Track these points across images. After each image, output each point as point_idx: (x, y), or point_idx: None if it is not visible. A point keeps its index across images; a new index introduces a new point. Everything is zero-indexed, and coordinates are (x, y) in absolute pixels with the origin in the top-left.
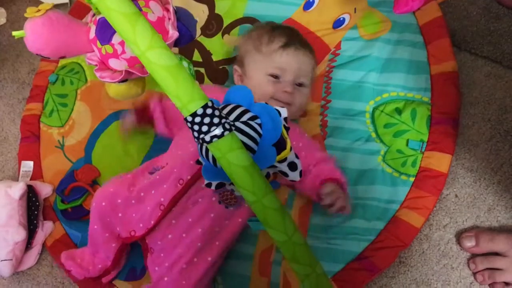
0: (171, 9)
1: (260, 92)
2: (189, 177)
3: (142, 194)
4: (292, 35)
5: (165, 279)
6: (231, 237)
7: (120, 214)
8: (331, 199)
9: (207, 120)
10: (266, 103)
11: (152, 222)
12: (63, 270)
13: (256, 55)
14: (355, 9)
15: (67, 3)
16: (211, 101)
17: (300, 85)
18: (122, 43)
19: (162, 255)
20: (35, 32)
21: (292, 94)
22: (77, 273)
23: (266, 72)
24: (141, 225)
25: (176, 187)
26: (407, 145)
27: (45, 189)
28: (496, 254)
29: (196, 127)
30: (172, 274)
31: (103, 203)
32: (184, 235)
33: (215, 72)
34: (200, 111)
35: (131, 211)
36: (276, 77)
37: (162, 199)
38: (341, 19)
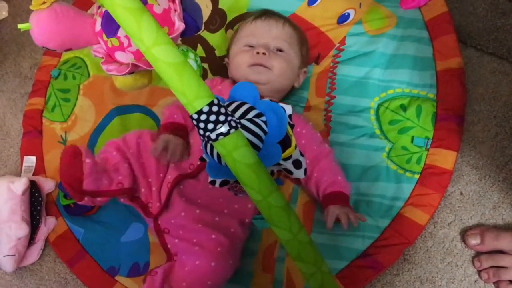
0: (177, 1)
1: (237, 64)
2: (199, 163)
3: (161, 175)
4: (265, 11)
5: (196, 248)
6: (243, 217)
7: (150, 179)
8: (334, 219)
9: (212, 117)
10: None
11: (163, 198)
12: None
13: (234, 38)
14: (360, 4)
15: None
16: (216, 98)
17: (279, 50)
18: (128, 36)
19: (181, 232)
20: (41, 25)
21: (268, 57)
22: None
23: (241, 44)
24: (157, 204)
25: (186, 170)
26: (412, 142)
27: (47, 185)
28: (501, 252)
29: (201, 125)
30: (197, 242)
31: (114, 153)
32: (198, 211)
33: (219, 67)
34: (205, 109)
35: (144, 177)
36: (251, 46)
37: (169, 177)
38: (346, 14)
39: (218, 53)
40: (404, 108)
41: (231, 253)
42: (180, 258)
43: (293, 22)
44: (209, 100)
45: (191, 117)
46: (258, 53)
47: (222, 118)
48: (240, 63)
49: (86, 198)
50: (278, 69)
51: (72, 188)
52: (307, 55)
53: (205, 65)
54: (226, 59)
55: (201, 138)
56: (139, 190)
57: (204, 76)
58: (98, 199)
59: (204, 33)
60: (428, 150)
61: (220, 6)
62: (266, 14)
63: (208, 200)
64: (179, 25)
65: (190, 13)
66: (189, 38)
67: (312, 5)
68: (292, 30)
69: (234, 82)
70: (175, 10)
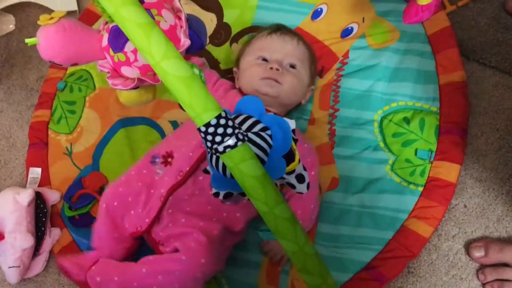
0: (183, 17)
1: (249, 76)
2: (187, 169)
3: (152, 191)
4: (279, 26)
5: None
6: (231, 225)
7: (132, 212)
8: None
9: (220, 130)
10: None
11: (153, 214)
12: (63, 271)
13: (246, 49)
14: (363, 18)
15: (76, 11)
16: (224, 111)
17: (292, 67)
18: (134, 51)
19: (171, 240)
20: (48, 40)
21: (281, 73)
22: (76, 274)
23: (254, 56)
24: (146, 220)
25: (176, 179)
26: (415, 154)
27: (53, 196)
28: (506, 265)
29: (209, 137)
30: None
31: (115, 203)
32: (184, 220)
33: None
34: (213, 122)
35: (139, 207)
36: (265, 60)
37: (162, 190)
38: (349, 28)
39: (222, 66)
40: (407, 121)
41: (205, 252)
42: None
43: (305, 40)
44: (217, 113)
45: (199, 129)
46: (271, 68)
47: (229, 130)
48: (253, 75)
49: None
50: (289, 85)
51: None
52: (315, 73)
53: None
54: (234, 69)
55: (208, 150)
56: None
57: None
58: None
59: (209, 47)
60: (431, 162)
61: (225, 20)
62: (281, 29)
63: (196, 207)
64: (185, 42)
65: (195, 30)
66: (193, 53)
67: (316, 19)
68: (305, 48)
69: (240, 92)
70: (181, 27)
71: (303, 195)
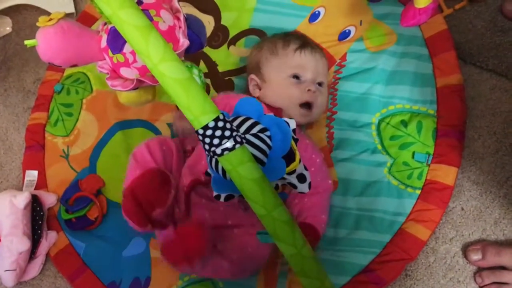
0: (181, 18)
1: (286, 97)
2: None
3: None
4: (305, 38)
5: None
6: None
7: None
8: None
9: (218, 133)
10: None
11: (183, 206)
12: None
13: (273, 60)
14: (360, 21)
15: (73, 13)
16: (222, 113)
17: (320, 84)
18: (133, 52)
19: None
20: (47, 41)
21: (316, 94)
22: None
23: (287, 74)
24: (177, 210)
25: (199, 176)
26: (413, 157)
27: (49, 199)
28: (503, 268)
29: (207, 140)
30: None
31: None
32: (222, 208)
33: (221, 83)
34: (211, 124)
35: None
36: (297, 77)
37: (184, 181)
38: (347, 31)
39: (220, 68)
40: (405, 124)
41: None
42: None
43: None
44: (214, 116)
45: (197, 132)
46: (309, 90)
47: (227, 133)
48: (291, 97)
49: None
50: (319, 106)
51: (142, 213)
52: None
53: (208, 81)
54: (254, 77)
55: (206, 153)
56: None
57: (206, 92)
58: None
59: (207, 49)
60: (429, 165)
61: (222, 22)
62: (310, 45)
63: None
64: (184, 42)
65: (194, 30)
66: (192, 54)
67: (314, 22)
68: (327, 61)
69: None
70: (179, 27)
71: (320, 200)
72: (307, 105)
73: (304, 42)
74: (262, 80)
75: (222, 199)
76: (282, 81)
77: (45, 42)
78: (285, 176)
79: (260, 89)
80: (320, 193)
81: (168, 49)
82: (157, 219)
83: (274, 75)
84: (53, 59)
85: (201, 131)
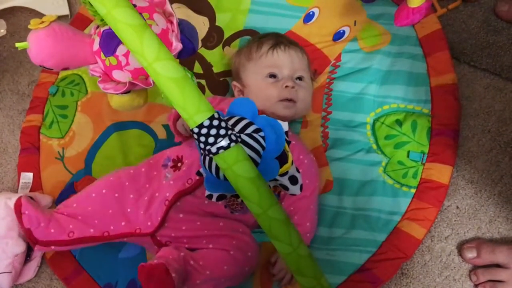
0: (174, 22)
1: (265, 97)
2: (197, 178)
3: (157, 194)
4: (278, 37)
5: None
6: (240, 237)
7: (129, 210)
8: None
9: (213, 131)
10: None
11: (159, 218)
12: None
13: (249, 64)
14: (355, 22)
15: (67, 15)
16: (217, 112)
17: (299, 79)
18: (126, 55)
19: (185, 240)
20: (39, 44)
21: (295, 89)
22: (41, 233)
23: (263, 75)
24: (149, 223)
25: (184, 185)
26: (408, 156)
27: (44, 201)
28: (498, 265)
29: (202, 138)
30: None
31: (116, 195)
32: (199, 223)
33: (216, 83)
34: (206, 123)
35: (140, 208)
36: (273, 76)
37: (167, 194)
38: (341, 31)
39: (215, 69)
40: (399, 123)
41: (245, 249)
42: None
43: (301, 46)
44: (209, 114)
45: (191, 130)
46: (287, 86)
47: (222, 132)
48: (269, 96)
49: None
50: (302, 101)
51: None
52: (313, 75)
53: (203, 82)
54: (236, 83)
55: (201, 151)
56: (118, 225)
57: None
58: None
59: (201, 50)
60: (424, 164)
61: (217, 23)
62: (282, 42)
63: (205, 217)
64: (177, 45)
65: (187, 35)
66: (184, 58)
67: (308, 23)
68: (306, 56)
69: None
70: (172, 31)
71: (307, 205)
72: (287, 100)
73: (277, 41)
74: (242, 85)
75: (214, 199)
76: (260, 82)
77: (37, 45)
78: (278, 177)
79: (243, 94)
80: (307, 197)
81: (162, 48)
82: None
83: (252, 78)
84: (44, 62)
85: (196, 130)
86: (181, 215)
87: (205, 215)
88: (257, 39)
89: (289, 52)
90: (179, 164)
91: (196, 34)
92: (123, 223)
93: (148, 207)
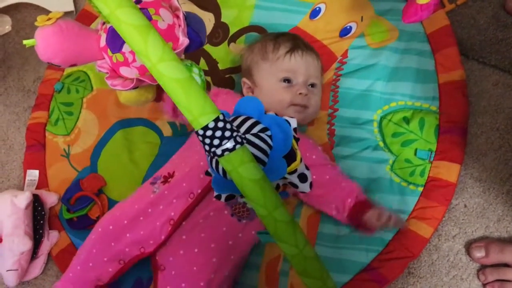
0: (181, 16)
1: (277, 101)
2: (199, 191)
3: (149, 210)
4: (296, 40)
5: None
6: (245, 249)
7: (128, 235)
8: (381, 223)
9: (218, 133)
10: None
11: (163, 237)
12: None
13: (264, 64)
14: (362, 17)
15: (72, 11)
16: (222, 114)
17: (312, 86)
18: (133, 52)
19: (173, 272)
20: (46, 41)
21: (307, 96)
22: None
23: (278, 78)
24: (151, 241)
25: (187, 201)
26: (415, 154)
27: (50, 198)
28: (506, 265)
29: (207, 141)
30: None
31: (110, 227)
32: (197, 250)
33: (221, 80)
34: (211, 125)
35: (139, 228)
36: (288, 81)
37: (172, 214)
38: (348, 27)
39: (221, 66)
40: (407, 120)
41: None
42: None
43: (314, 49)
44: (214, 116)
45: (196, 132)
46: (300, 93)
47: (227, 133)
48: (282, 101)
49: None
50: (314, 107)
51: None
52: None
53: (208, 78)
54: (246, 81)
55: (207, 153)
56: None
57: (207, 90)
58: None
59: (207, 47)
60: (431, 162)
61: (222, 20)
62: (300, 47)
63: (211, 232)
64: (183, 40)
65: (194, 28)
66: (192, 51)
67: (315, 19)
68: (320, 63)
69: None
70: (179, 26)
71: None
72: (299, 105)
73: (294, 45)
74: (253, 84)
75: (223, 199)
76: (273, 85)
77: (44, 42)
78: (286, 175)
79: (252, 93)
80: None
81: (167, 49)
82: None
83: (265, 80)
84: (52, 59)
85: (201, 132)
86: (183, 237)
87: (207, 238)
88: (273, 37)
89: (306, 58)
90: (169, 180)
91: (204, 27)
92: (127, 249)
93: (146, 225)
